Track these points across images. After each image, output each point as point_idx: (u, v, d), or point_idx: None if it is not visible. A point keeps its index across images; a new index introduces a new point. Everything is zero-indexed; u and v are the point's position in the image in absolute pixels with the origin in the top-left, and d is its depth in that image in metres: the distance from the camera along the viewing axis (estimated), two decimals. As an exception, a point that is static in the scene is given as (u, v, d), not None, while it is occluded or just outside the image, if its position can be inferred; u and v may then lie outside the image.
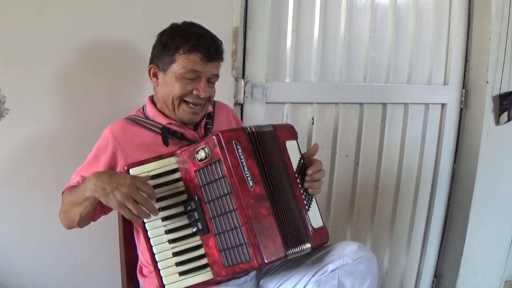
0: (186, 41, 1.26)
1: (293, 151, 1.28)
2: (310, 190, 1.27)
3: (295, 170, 1.27)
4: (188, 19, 1.33)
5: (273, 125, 1.26)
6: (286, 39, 1.89)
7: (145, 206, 1.09)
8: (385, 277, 2.31)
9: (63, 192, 1.29)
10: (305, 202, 1.26)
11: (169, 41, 1.28)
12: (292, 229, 1.18)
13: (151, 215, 1.11)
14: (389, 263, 2.31)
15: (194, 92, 1.28)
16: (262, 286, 1.32)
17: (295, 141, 1.31)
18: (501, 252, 2.47)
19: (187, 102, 1.30)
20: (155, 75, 1.33)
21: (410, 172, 2.27)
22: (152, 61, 1.33)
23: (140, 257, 1.37)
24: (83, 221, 1.23)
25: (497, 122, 2.27)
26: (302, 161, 1.29)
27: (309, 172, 1.26)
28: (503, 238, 2.46)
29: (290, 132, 1.31)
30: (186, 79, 1.27)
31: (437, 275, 2.47)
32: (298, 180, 1.27)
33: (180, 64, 1.26)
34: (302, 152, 1.32)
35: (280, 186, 1.20)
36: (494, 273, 2.48)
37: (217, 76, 1.33)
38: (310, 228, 1.24)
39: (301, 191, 1.26)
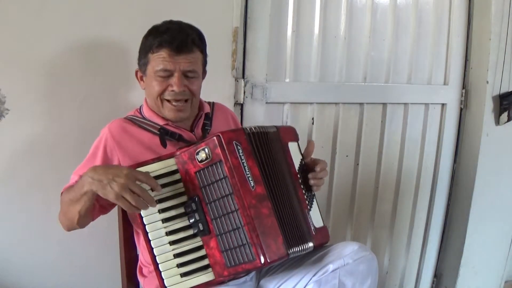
0: (155, 39, 1.26)
1: (294, 152, 1.30)
2: (314, 188, 1.29)
3: (297, 171, 1.28)
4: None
5: (276, 126, 1.27)
6: (286, 39, 1.89)
7: (143, 197, 1.08)
8: (385, 277, 2.31)
9: (62, 193, 1.29)
10: (307, 202, 1.28)
11: (143, 43, 1.30)
12: (294, 228, 1.19)
13: (150, 207, 1.11)
14: (389, 263, 2.31)
15: (169, 88, 1.27)
16: (262, 286, 1.32)
17: (296, 143, 1.33)
18: (501, 252, 2.47)
19: (168, 100, 1.29)
20: (141, 78, 1.34)
21: (410, 172, 2.27)
22: (138, 64, 1.34)
23: (140, 257, 1.37)
24: (83, 220, 1.21)
25: (497, 122, 2.27)
26: (303, 162, 1.31)
27: (317, 168, 1.28)
28: (503, 238, 2.46)
29: (292, 134, 1.33)
30: (160, 78, 1.26)
31: (437, 275, 2.47)
32: (300, 180, 1.28)
33: (152, 63, 1.26)
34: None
35: (281, 185, 1.20)
36: (494, 273, 2.48)
37: (192, 71, 1.27)
38: (312, 228, 1.25)
39: (303, 191, 1.28)
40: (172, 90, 1.26)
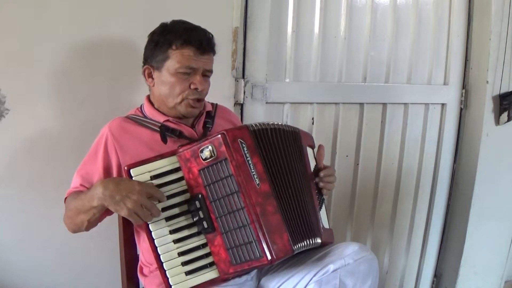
0: (178, 36, 1.26)
1: (310, 158, 1.34)
2: (324, 191, 1.33)
3: (312, 172, 1.32)
4: (188, 19, 1.33)
5: (298, 128, 1.32)
6: (286, 39, 1.89)
7: (152, 211, 1.11)
8: (385, 277, 2.31)
9: (65, 198, 1.29)
10: (318, 202, 1.31)
11: (160, 39, 1.29)
12: (301, 224, 1.20)
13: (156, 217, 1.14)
14: (389, 263, 2.31)
15: (191, 86, 1.28)
16: (263, 285, 1.32)
17: (312, 150, 1.37)
18: (501, 252, 2.47)
19: (187, 98, 1.30)
20: (150, 76, 1.33)
21: (410, 172, 2.27)
22: (145, 62, 1.33)
23: (141, 256, 1.37)
24: (91, 226, 1.25)
25: (497, 122, 2.27)
26: (316, 167, 1.35)
27: (321, 174, 1.32)
28: (503, 238, 2.47)
29: (310, 139, 1.40)
30: (181, 74, 1.27)
31: (437, 275, 2.47)
32: (314, 182, 1.32)
33: (174, 60, 1.26)
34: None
35: (288, 181, 1.21)
36: (494, 273, 2.48)
37: (210, 71, 1.33)
38: (321, 225, 1.28)
39: (316, 191, 1.31)
40: (195, 88, 1.28)
